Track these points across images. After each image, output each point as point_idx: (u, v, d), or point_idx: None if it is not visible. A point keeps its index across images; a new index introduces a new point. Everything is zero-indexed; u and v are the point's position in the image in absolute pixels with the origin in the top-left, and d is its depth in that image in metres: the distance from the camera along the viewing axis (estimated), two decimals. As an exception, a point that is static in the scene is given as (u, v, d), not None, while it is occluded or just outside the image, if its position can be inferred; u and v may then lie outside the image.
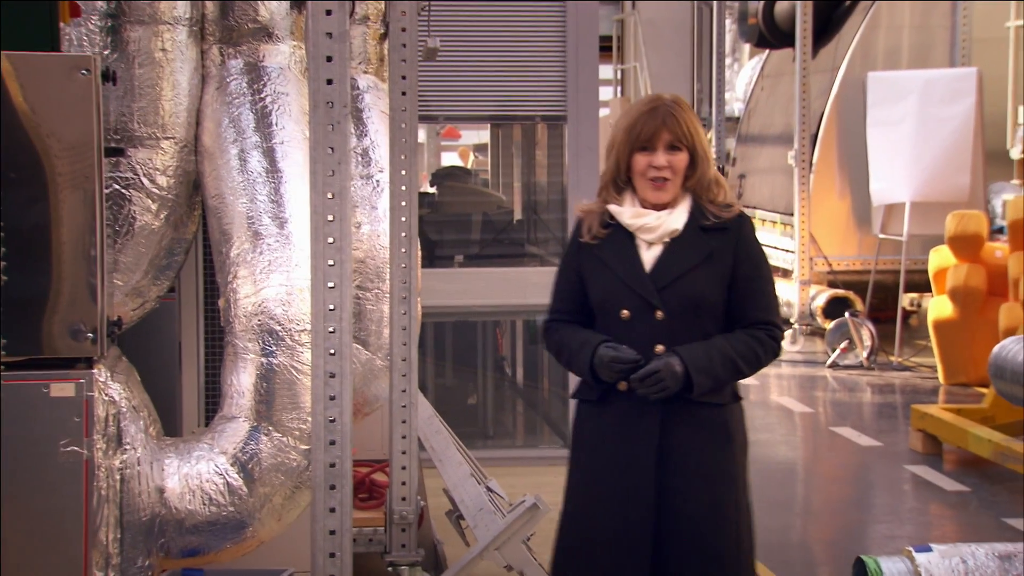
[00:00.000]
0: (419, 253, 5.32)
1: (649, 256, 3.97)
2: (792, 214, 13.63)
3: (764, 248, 4.14)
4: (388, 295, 5.16)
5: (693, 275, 3.94)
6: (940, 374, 11.49)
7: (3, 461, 3.96)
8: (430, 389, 9.11)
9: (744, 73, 18.91)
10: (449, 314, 8.89)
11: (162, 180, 4.74)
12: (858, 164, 13.29)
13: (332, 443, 3.81)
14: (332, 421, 3.80)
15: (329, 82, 3.73)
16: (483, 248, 9.43)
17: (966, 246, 11.22)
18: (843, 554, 6.63)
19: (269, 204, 4.60)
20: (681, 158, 3.96)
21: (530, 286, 8.42)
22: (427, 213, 9.43)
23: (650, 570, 3.93)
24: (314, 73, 3.74)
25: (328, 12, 3.73)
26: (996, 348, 8.01)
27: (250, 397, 4.39)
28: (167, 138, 4.75)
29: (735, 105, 18.49)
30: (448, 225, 9.61)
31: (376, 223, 5.46)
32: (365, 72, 5.78)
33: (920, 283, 12.61)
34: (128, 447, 4.17)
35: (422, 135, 18.77)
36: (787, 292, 13.51)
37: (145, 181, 4.71)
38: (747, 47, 18.70)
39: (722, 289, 3.97)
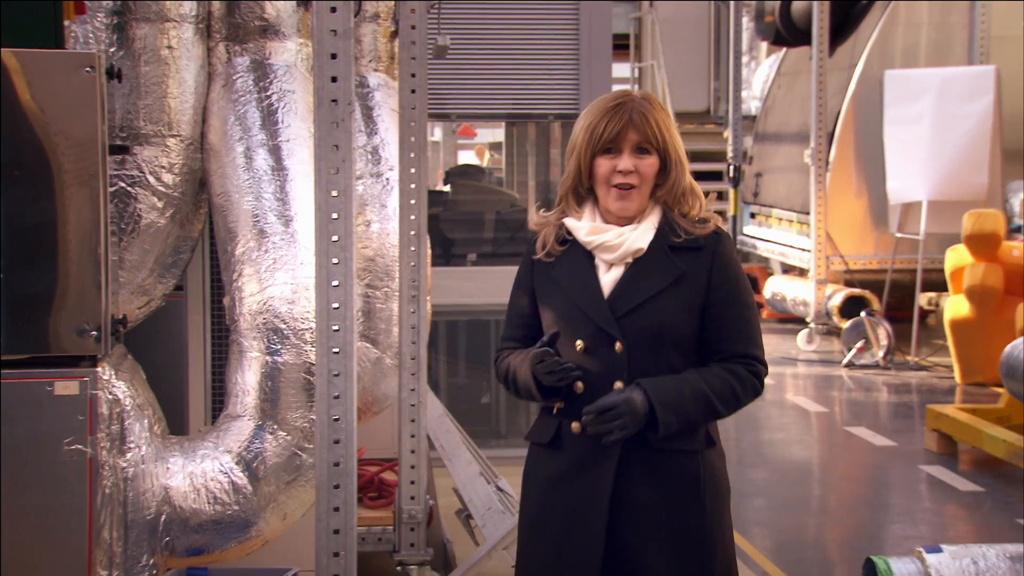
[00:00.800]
0: (428, 251, 5.31)
1: (608, 279, 3.42)
2: (808, 213, 13.59)
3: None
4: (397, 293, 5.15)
5: (658, 302, 3.37)
6: (957, 374, 11.43)
7: (7, 459, 3.96)
8: (443, 388, 9.10)
9: (761, 71, 18.85)
10: (462, 313, 8.89)
11: (168, 178, 4.73)
12: (875, 162, 13.23)
13: (336, 442, 3.80)
14: (336, 420, 3.79)
15: (334, 79, 3.73)
16: (497, 247, 9.42)
17: (983, 245, 11.16)
18: (856, 554, 6.60)
19: (275, 202, 4.59)
20: (650, 162, 3.41)
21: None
22: (441, 211, 9.43)
23: None
24: (319, 70, 3.73)
25: (333, 9, 3.73)
26: (1008, 348, 7.98)
27: (255, 395, 4.38)
28: (173, 136, 4.74)
29: (752, 103, 18.44)
30: (462, 223, 9.60)
31: (386, 221, 5.46)
32: (375, 70, 5.77)
33: (937, 282, 12.56)
34: (132, 445, 4.15)
35: (438, 133, 18.79)
36: (803, 291, 13.52)
37: (151, 179, 4.70)
38: (764, 45, 18.64)
39: (692, 318, 3.40)
